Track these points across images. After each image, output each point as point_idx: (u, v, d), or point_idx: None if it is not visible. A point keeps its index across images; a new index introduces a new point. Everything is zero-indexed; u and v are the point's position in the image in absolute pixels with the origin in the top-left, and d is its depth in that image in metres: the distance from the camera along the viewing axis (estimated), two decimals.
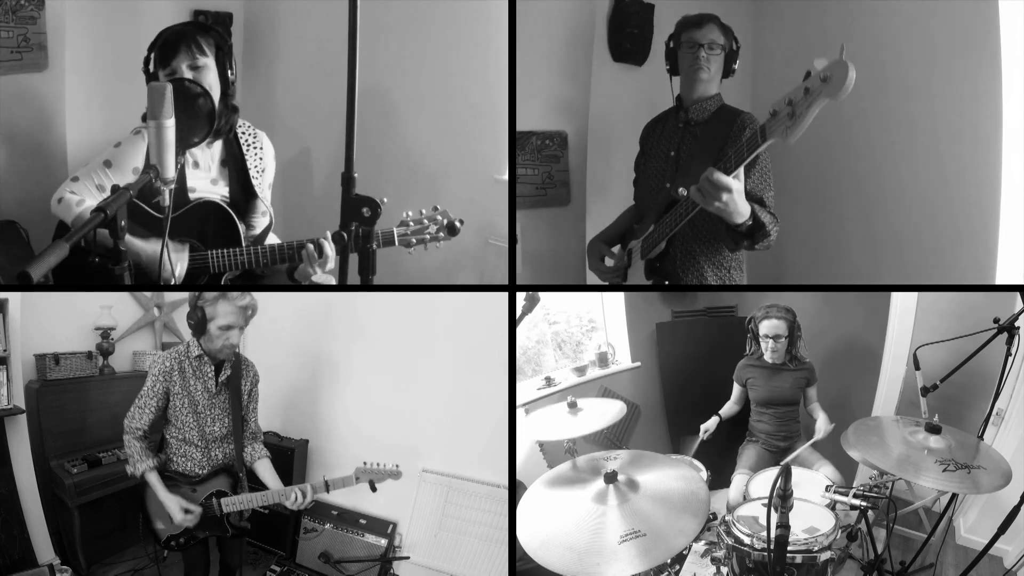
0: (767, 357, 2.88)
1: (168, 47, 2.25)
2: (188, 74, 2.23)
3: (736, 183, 1.92)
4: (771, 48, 3.33)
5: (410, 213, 2.38)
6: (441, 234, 2.39)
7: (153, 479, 2.28)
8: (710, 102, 2.43)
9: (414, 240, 2.37)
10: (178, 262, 2.27)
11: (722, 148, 2.27)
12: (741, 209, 1.99)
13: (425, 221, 2.37)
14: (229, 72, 2.35)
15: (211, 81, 2.29)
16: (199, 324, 2.29)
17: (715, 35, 2.38)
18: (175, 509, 2.27)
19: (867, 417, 2.66)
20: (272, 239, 2.60)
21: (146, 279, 2.26)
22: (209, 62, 2.28)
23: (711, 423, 2.92)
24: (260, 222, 2.58)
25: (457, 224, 2.40)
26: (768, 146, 1.81)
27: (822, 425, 2.75)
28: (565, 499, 1.98)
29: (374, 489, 2.37)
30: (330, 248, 2.25)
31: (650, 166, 2.58)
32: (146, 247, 2.25)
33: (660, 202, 2.43)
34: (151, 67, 2.29)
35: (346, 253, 1.93)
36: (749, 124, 2.29)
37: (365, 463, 2.37)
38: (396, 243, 2.35)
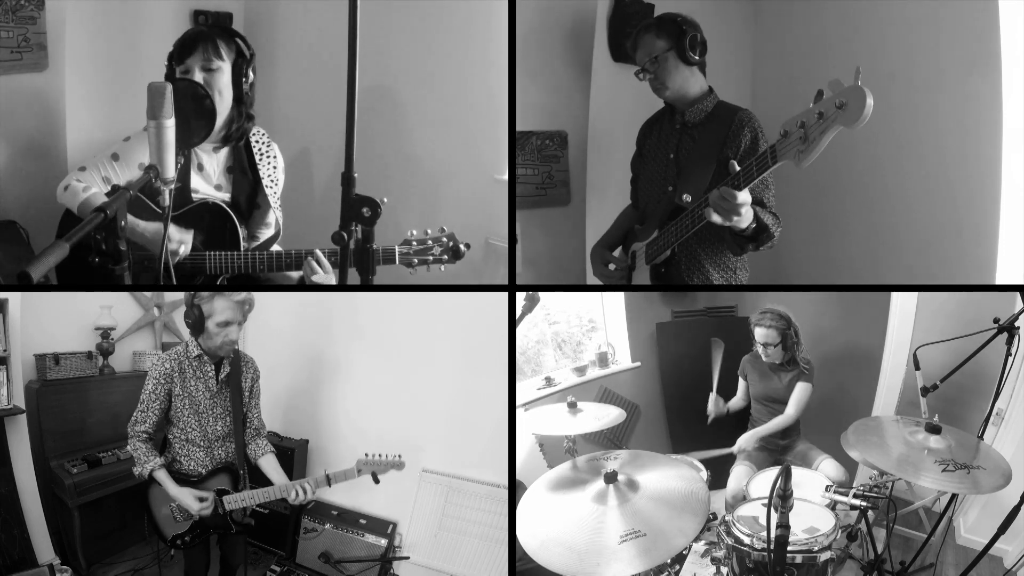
0: (764, 359, 2.88)
1: (186, 46, 2.26)
2: (200, 75, 2.24)
3: (747, 195, 1.95)
4: (771, 48, 3.32)
5: (415, 232, 2.35)
6: (445, 256, 2.37)
7: (162, 476, 2.28)
8: (704, 102, 2.36)
9: (416, 260, 2.35)
10: (181, 244, 2.26)
11: (721, 148, 2.26)
12: (747, 216, 2.03)
13: (430, 242, 2.35)
14: (245, 80, 2.34)
15: (223, 85, 2.30)
16: (197, 322, 2.28)
17: (650, 46, 2.30)
18: (190, 500, 2.27)
19: (867, 417, 2.66)
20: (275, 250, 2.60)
21: (146, 255, 2.27)
22: (224, 66, 2.29)
23: (719, 406, 3.02)
24: (264, 232, 2.57)
25: (463, 248, 2.38)
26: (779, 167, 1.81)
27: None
28: (565, 499, 1.98)
29: (377, 481, 2.36)
30: (324, 266, 2.26)
31: (649, 168, 2.56)
32: (149, 227, 2.24)
33: (663, 206, 2.41)
34: (173, 63, 2.29)
35: (346, 252, 1.93)
36: (747, 123, 2.26)
37: (367, 455, 2.36)
38: (397, 262, 2.33)
